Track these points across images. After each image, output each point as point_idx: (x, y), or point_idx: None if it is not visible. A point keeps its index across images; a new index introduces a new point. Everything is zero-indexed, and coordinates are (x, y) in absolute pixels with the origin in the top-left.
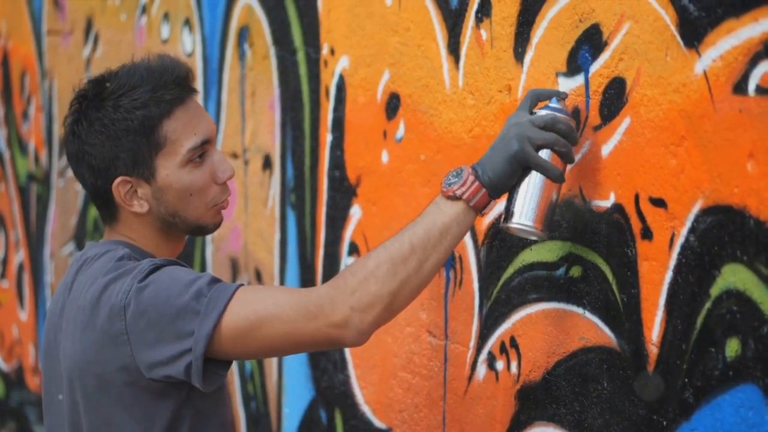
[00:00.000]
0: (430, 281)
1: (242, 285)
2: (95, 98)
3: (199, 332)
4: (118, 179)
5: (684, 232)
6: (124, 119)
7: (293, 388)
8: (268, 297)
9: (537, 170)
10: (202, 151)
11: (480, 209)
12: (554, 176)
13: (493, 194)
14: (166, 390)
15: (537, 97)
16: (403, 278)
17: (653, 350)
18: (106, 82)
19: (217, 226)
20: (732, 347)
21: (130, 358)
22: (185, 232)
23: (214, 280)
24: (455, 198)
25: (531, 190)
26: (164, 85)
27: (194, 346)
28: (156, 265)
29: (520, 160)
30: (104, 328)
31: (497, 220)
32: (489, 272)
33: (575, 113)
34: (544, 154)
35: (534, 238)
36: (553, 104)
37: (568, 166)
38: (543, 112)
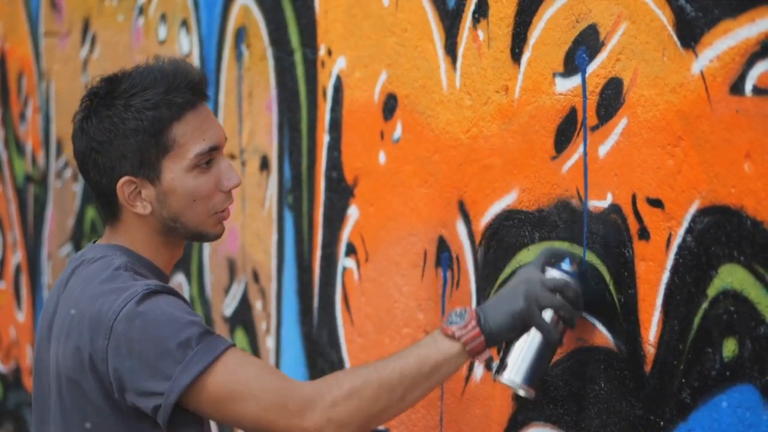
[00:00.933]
0: (407, 409)
1: (232, 346)
2: (107, 96)
3: (175, 382)
4: (123, 179)
5: (681, 232)
6: (134, 119)
7: None
8: (252, 374)
9: (539, 330)
10: (209, 157)
11: (474, 354)
12: (553, 340)
13: (491, 343)
14: (137, 413)
15: (551, 255)
16: (385, 405)
17: (650, 351)
18: (119, 81)
19: (217, 236)
20: (729, 347)
21: (105, 375)
22: (185, 238)
23: (206, 332)
24: (453, 338)
25: (528, 347)
26: (177, 89)
27: (167, 393)
28: (151, 290)
29: (523, 318)
30: (88, 340)
31: (493, 220)
32: (486, 273)
33: (572, 114)
34: (548, 313)
35: (522, 394)
36: (566, 266)
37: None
38: (556, 275)
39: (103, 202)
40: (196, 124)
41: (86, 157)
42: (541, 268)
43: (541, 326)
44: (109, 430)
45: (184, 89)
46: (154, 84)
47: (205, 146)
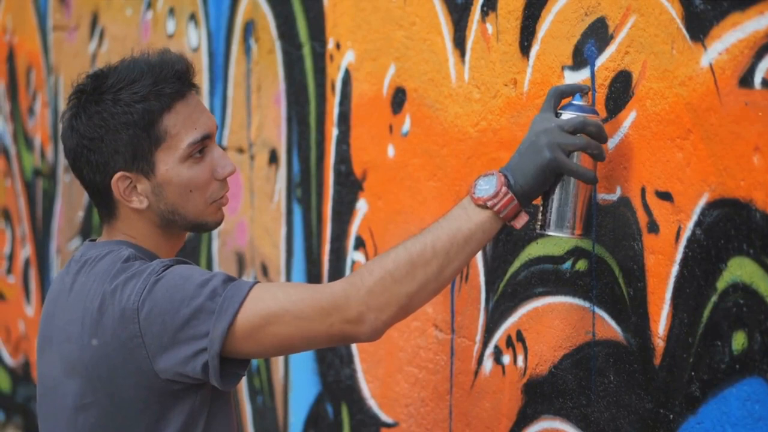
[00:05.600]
0: (448, 285)
1: (258, 282)
2: (94, 92)
3: (214, 332)
4: (118, 174)
5: (690, 225)
6: (124, 113)
7: (300, 382)
8: (281, 293)
9: (572, 176)
10: (202, 146)
11: (510, 219)
12: (589, 180)
13: (525, 204)
14: (181, 394)
15: (560, 95)
16: (422, 282)
17: (660, 344)
18: (106, 77)
19: (217, 223)
20: (738, 340)
21: (145, 360)
22: (185, 229)
23: (229, 279)
24: (485, 207)
25: (566, 196)
26: (164, 79)
27: (210, 346)
28: (166, 265)
29: (553, 169)
30: (115, 333)
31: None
32: (495, 266)
33: None
34: (575, 156)
35: (572, 238)
36: (577, 101)
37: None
38: (570, 114)
39: (99, 200)
40: (187, 114)
41: (78, 155)
42: (554, 113)
43: (574, 171)
44: (147, 422)
45: (171, 79)
46: (142, 76)
47: (197, 135)
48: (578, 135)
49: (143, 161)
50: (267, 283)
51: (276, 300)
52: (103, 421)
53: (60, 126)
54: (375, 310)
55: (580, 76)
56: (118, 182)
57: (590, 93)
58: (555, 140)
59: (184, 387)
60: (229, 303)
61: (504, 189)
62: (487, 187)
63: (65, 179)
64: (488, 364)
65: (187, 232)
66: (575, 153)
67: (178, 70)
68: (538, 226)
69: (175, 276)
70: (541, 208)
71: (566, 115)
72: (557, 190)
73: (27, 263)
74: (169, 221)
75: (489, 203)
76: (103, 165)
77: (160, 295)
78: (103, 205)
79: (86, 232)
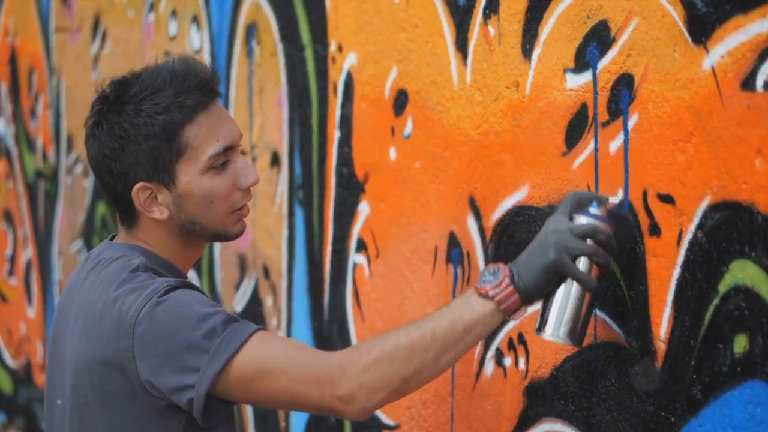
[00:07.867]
0: (442, 374)
1: (259, 330)
2: (116, 101)
3: (204, 372)
4: (138, 185)
5: (692, 228)
6: (145, 124)
7: None
8: (280, 352)
9: (573, 279)
10: (225, 158)
11: (510, 313)
12: (589, 287)
13: (527, 301)
14: (169, 411)
15: (577, 202)
16: (418, 367)
17: (661, 346)
18: (129, 85)
19: (237, 234)
20: (740, 343)
21: (134, 375)
22: (205, 239)
23: (231, 319)
24: (487, 297)
25: (565, 300)
26: (187, 90)
27: (197, 385)
28: (171, 286)
29: (556, 270)
30: (110, 341)
31: (504, 217)
32: None
33: (583, 109)
34: (581, 262)
35: (568, 345)
36: (594, 210)
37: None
38: (583, 221)
39: (119, 207)
40: (209, 125)
41: (99, 163)
42: (568, 216)
43: (575, 276)
44: (132, 428)
45: (194, 90)
46: (164, 86)
47: (219, 147)
48: (587, 241)
49: (164, 173)
50: (269, 335)
51: (273, 356)
52: (94, 424)
53: (63, 127)
54: (367, 390)
55: (582, 79)
56: (139, 193)
57: (608, 202)
58: (562, 242)
59: (170, 403)
60: (225, 347)
61: (507, 281)
62: (492, 278)
63: (67, 181)
64: (490, 366)
65: (206, 242)
66: (581, 259)
67: (201, 80)
68: (536, 325)
69: (178, 302)
70: (541, 310)
71: (579, 220)
72: (558, 292)
73: (29, 265)
74: (189, 231)
75: (491, 293)
76: (123, 175)
77: (158, 319)
78: (124, 212)
79: (88, 234)
